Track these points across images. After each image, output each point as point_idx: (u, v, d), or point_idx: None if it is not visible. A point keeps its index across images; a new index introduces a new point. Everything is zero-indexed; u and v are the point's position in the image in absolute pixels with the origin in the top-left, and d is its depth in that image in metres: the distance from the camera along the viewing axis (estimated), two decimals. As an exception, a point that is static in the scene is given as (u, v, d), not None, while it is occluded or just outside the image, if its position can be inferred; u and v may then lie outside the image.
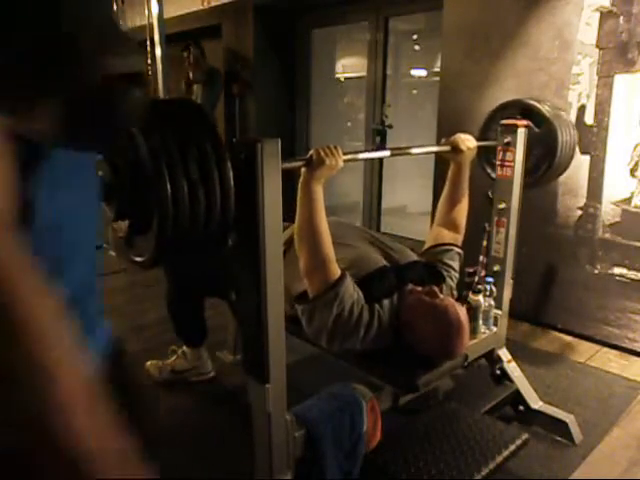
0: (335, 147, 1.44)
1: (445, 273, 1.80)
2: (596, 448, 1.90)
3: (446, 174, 1.92)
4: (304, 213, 1.48)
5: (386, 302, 1.59)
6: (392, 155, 1.72)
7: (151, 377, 2.35)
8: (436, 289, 1.60)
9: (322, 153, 1.41)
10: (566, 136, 2.04)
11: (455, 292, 1.81)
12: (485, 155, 2.10)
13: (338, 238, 1.60)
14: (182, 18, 5.32)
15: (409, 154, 1.74)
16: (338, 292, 1.48)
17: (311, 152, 1.41)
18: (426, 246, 1.94)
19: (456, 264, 1.86)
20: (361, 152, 1.64)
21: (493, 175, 2.07)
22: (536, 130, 1.99)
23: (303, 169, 1.44)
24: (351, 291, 1.52)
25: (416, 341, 1.56)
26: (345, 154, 1.46)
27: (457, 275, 1.85)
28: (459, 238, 1.91)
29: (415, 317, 1.56)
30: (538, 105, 2.03)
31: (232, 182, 1.07)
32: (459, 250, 1.88)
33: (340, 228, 1.75)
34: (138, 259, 1.11)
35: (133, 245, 1.11)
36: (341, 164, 1.44)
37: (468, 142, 1.83)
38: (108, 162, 1.08)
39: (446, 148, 1.83)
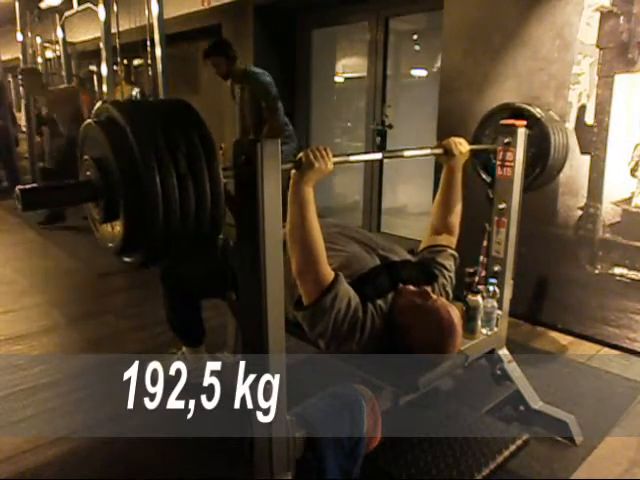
0: (325, 149, 1.42)
1: (438, 272, 1.80)
2: (596, 448, 1.90)
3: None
4: (295, 215, 1.46)
5: (380, 302, 1.59)
6: (384, 158, 1.70)
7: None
8: (429, 290, 1.59)
9: (311, 156, 1.39)
10: (559, 138, 2.04)
11: (450, 291, 1.80)
12: (479, 160, 2.11)
13: (329, 242, 1.59)
14: (182, 18, 5.33)
15: (401, 157, 1.74)
16: (336, 295, 1.49)
17: (301, 154, 1.40)
18: (420, 248, 1.94)
19: (449, 263, 1.84)
20: (352, 154, 1.62)
21: (487, 179, 2.07)
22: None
23: (293, 171, 1.42)
24: (346, 292, 1.52)
25: (409, 342, 1.56)
26: (336, 156, 1.44)
27: (452, 275, 1.84)
28: (453, 241, 1.91)
29: (407, 319, 1.56)
30: (529, 107, 2.03)
31: (222, 179, 1.07)
32: (453, 252, 1.88)
33: (330, 230, 1.74)
34: (110, 245, 1.12)
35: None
36: (331, 167, 1.42)
37: (461, 146, 1.83)
38: (95, 160, 1.07)
39: (438, 151, 1.83)
